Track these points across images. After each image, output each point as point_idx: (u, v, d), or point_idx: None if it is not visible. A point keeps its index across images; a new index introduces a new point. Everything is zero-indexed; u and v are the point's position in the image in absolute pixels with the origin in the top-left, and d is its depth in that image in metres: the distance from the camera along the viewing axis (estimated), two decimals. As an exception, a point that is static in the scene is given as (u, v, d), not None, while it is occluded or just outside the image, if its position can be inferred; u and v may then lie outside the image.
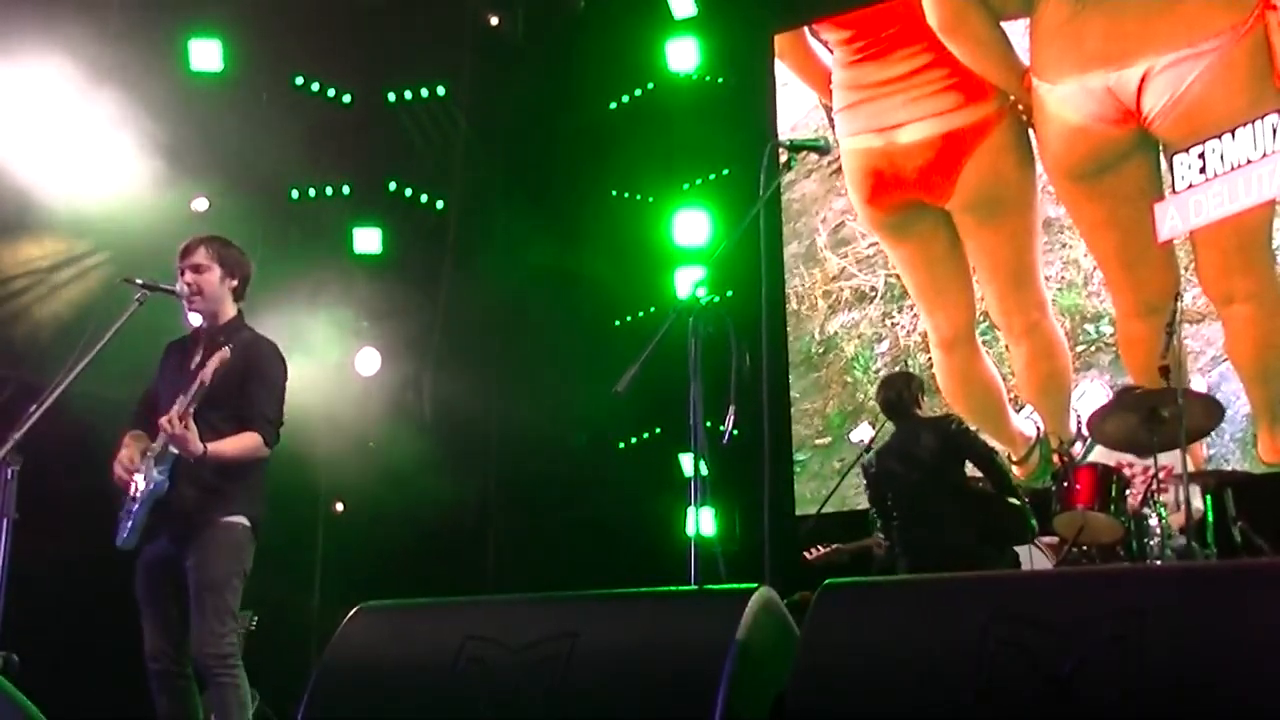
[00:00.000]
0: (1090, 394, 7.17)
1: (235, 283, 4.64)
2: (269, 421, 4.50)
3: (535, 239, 8.72)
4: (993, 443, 7.50)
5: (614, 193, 8.98)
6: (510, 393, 8.77)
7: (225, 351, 4.29)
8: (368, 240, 8.77)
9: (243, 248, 4.79)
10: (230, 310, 4.65)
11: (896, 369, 7.82)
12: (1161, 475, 5.71)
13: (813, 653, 2.62)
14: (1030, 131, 7.59)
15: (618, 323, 8.67)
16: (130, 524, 4.48)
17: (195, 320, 4.67)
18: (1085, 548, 5.83)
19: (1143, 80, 7.13)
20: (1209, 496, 5.84)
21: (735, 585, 2.93)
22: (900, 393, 6.15)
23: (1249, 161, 6.72)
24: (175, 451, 4.34)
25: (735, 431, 4.18)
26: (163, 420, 4.27)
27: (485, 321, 9.00)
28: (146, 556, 4.50)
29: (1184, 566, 4.94)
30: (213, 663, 4.31)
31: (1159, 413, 5.55)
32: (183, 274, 4.57)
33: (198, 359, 4.58)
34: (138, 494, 4.46)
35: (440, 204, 9.03)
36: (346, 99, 8.63)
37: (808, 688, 2.57)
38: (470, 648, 2.89)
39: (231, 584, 4.42)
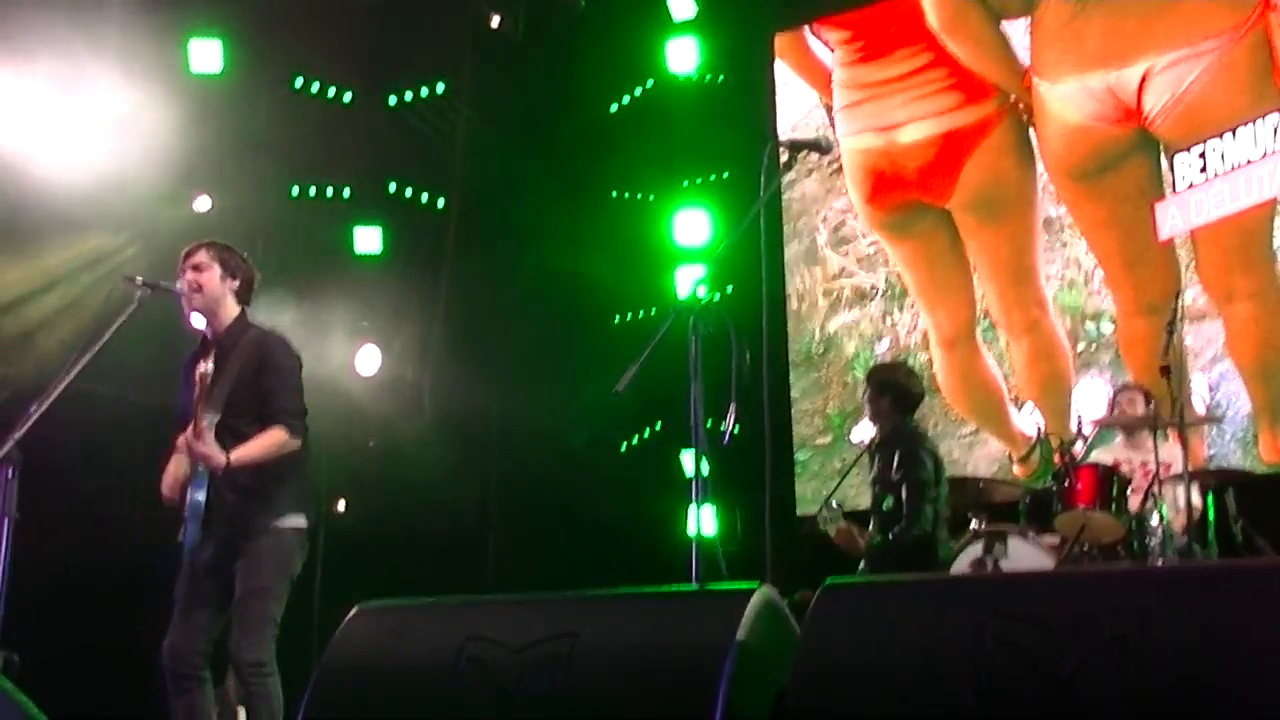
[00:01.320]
0: (1091, 393, 7.17)
1: (236, 283, 4.64)
2: (289, 414, 4.48)
3: (536, 238, 8.72)
4: (994, 442, 7.54)
5: (614, 192, 8.97)
6: (511, 392, 8.76)
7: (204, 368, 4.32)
8: (368, 240, 8.76)
9: (243, 248, 4.80)
10: (233, 311, 4.64)
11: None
12: (1162, 474, 5.72)
13: (813, 652, 2.62)
14: (1031, 131, 7.58)
15: (617, 319, 8.67)
16: (187, 537, 4.47)
17: (198, 323, 4.67)
18: (1086, 547, 5.82)
19: (1143, 80, 7.12)
20: (1210, 496, 5.84)
21: (736, 584, 2.93)
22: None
23: (1249, 161, 6.72)
24: (203, 466, 4.36)
25: (736, 428, 4.17)
26: (180, 441, 4.29)
27: (486, 321, 8.99)
28: (196, 559, 4.48)
29: (1184, 566, 4.94)
30: (249, 670, 4.32)
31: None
32: (183, 273, 4.58)
33: (209, 367, 4.58)
34: (187, 511, 4.47)
35: (441, 203, 9.02)
36: (347, 99, 8.63)
37: (808, 687, 2.57)
38: (470, 647, 2.89)
39: (275, 592, 4.42)
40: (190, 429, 4.32)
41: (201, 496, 4.38)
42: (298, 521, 4.49)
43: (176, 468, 4.52)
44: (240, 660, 4.32)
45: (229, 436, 4.36)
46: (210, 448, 4.29)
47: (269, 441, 4.43)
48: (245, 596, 4.35)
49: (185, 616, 4.44)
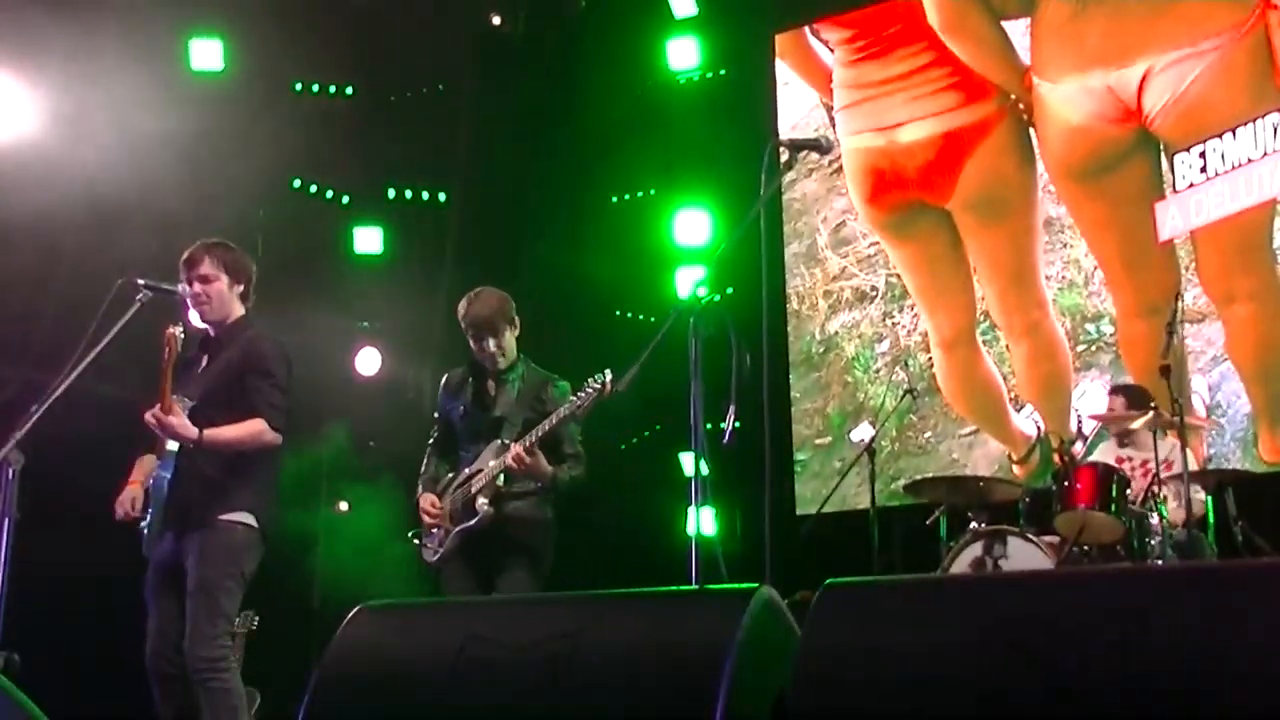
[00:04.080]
0: (1091, 394, 7.17)
1: (241, 287, 4.69)
2: (272, 407, 4.49)
3: (536, 238, 8.72)
4: (993, 442, 7.54)
5: (614, 193, 8.97)
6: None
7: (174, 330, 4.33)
8: (368, 240, 8.78)
9: (243, 248, 4.81)
10: (237, 312, 4.68)
11: (896, 369, 7.82)
12: (1162, 473, 5.72)
13: (814, 652, 2.62)
14: (1031, 131, 7.59)
15: (618, 313, 8.67)
16: (146, 529, 4.50)
17: (199, 323, 4.69)
18: (1086, 547, 5.83)
19: (1143, 79, 7.12)
20: (1210, 496, 5.84)
21: (736, 585, 2.93)
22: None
23: (1250, 161, 6.72)
24: (174, 449, 4.36)
25: (738, 424, 4.18)
26: (146, 416, 4.29)
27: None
28: (156, 558, 4.52)
29: (1185, 566, 4.94)
30: (201, 665, 4.29)
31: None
32: (190, 284, 4.59)
33: (204, 364, 4.61)
34: (152, 494, 4.49)
35: (441, 203, 9.03)
36: (348, 98, 8.63)
37: (809, 687, 2.57)
38: (471, 648, 2.89)
39: (225, 586, 4.40)
40: (157, 405, 4.30)
41: (164, 474, 4.41)
42: (246, 519, 4.47)
43: (134, 488, 4.56)
44: (192, 655, 4.29)
45: (203, 423, 4.38)
46: (181, 420, 4.30)
47: (248, 429, 4.45)
48: (194, 591, 4.36)
49: (154, 616, 4.47)
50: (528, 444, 4.80)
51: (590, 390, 4.78)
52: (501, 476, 4.89)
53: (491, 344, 5.07)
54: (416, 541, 5.16)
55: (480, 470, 4.96)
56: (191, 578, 4.37)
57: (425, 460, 5.31)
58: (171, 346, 4.37)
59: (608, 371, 4.79)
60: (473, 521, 4.90)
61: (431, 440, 5.33)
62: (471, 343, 5.11)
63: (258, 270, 4.84)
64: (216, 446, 4.39)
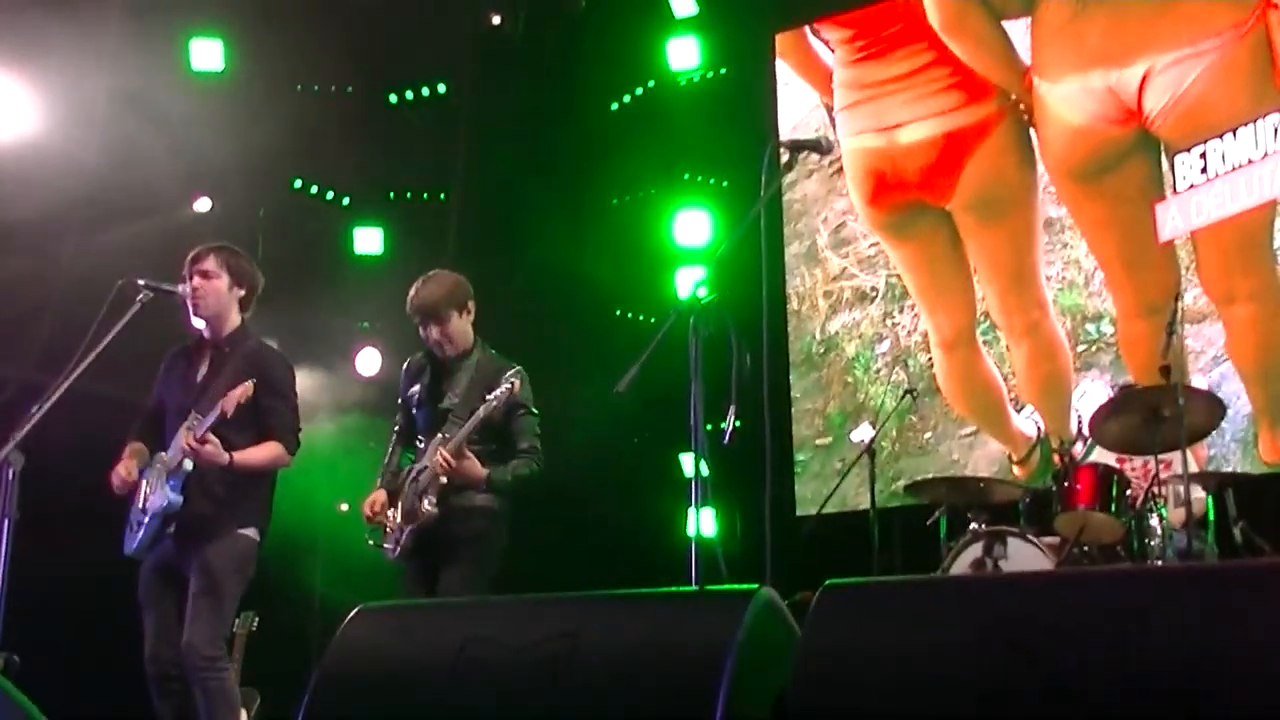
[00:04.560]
0: (1091, 394, 7.16)
1: (243, 293, 4.69)
2: (289, 431, 4.59)
3: (536, 239, 8.71)
4: (993, 442, 7.54)
5: (614, 193, 8.97)
6: (510, 393, 8.75)
7: (249, 386, 4.35)
8: (368, 240, 8.78)
9: (247, 253, 4.82)
10: (235, 320, 4.68)
11: (896, 369, 7.82)
12: (1162, 474, 5.72)
13: (813, 653, 2.62)
14: (1031, 131, 7.58)
15: (618, 312, 8.66)
16: (140, 535, 4.52)
17: (198, 325, 4.69)
18: (1086, 548, 5.83)
19: (1144, 80, 7.12)
20: (1210, 496, 5.84)
21: (736, 585, 2.94)
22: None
23: (1250, 162, 6.71)
24: (189, 468, 4.40)
25: (738, 424, 4.18)
26: (182, 444, 4.33)
27: (485, 321, 8.97)
28: (151, 561, 4.55)
29: (1185, 567, 4.94)
30: (203, 664, 4.33)
31: (1160, 412, 5.55)
32: (191, 279, 4.60)
33: (203, 371, 4.61)
34: (148, 506, 4.50)
35: (441, 203, 9.03)
36: (347, 98, 8.64)
37: (809, 688, 2.57)
38: (470, 648, 2.89)
39: (233, 591, 4.51)
40: (188, 432, 4.35)
41: (177, 499, 4.43)
42: (252, 533, 4.57)
43: (130, 463, 4.57)
44: (193, 654, 4.34)
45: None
46: (214, 448, 4.34)
47: (270, 453, 4.52)
48: (201, 593, 4.40)
49: (153, 620, 4.50)
50: (453, 449, 4.67)
51: (501, 391, 4.70)
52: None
53: (435, 331, 4.93)
54: (372, 543, 5.00)
55: (426, 468, 4.82)
56: (199, 580, 4.41)
57: (389, 450, 5.18)
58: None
59: (520, 371, 4.80)
60: (416, 523, 4.78)
61: (395, 429, 5.19)
62: (419, 330, 4.98)
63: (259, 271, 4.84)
64: (242, 470, 4.44)
